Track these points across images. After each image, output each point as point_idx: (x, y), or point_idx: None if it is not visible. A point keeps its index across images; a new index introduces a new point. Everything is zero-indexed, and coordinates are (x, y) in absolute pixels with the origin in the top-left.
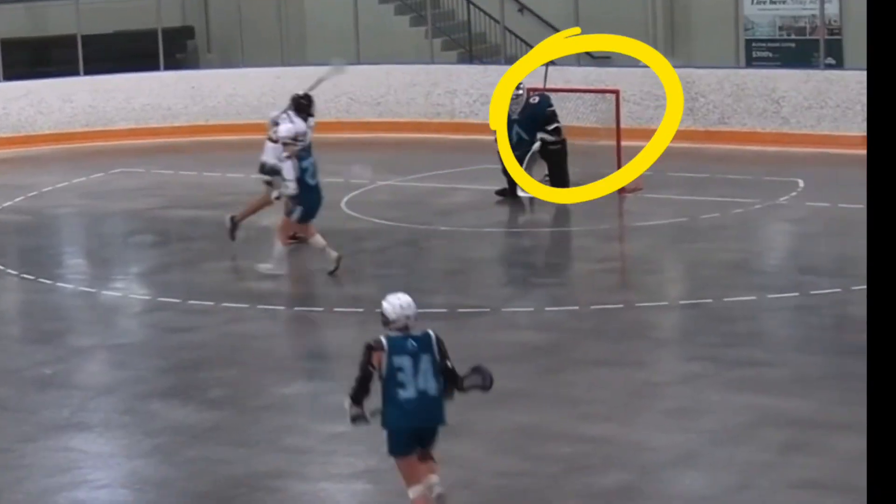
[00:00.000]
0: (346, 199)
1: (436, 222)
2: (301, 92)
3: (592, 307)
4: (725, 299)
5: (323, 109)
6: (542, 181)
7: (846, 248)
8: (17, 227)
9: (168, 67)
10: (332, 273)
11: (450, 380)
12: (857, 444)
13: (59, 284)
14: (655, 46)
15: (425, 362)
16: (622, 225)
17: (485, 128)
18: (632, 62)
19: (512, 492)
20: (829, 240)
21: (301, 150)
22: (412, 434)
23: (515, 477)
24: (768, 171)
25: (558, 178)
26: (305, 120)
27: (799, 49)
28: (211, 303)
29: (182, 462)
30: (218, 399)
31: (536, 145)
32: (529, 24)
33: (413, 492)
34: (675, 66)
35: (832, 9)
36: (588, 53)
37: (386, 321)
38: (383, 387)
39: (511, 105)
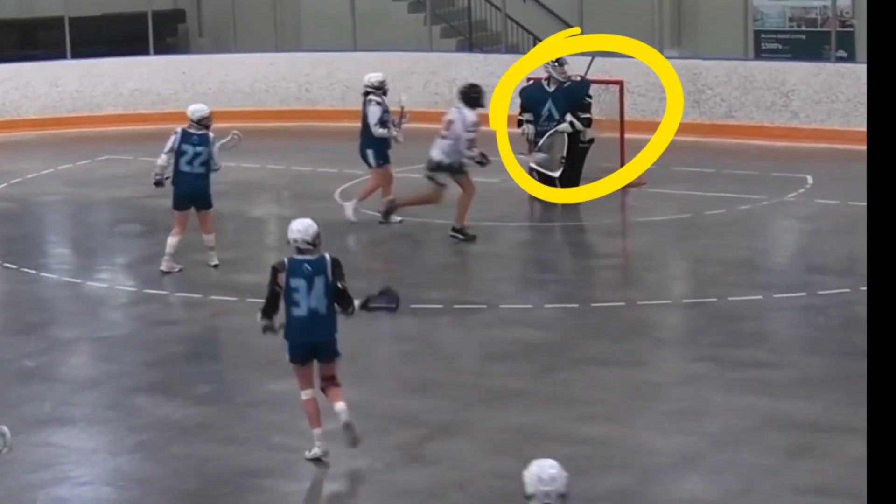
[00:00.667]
0: (339, 189)
1: (432, 215)
2: (468, 84)
3: (593, 305)
4: (730, 298)
5: (317, 97)
6: (558, 163)
7: (855, 246)
8: (0, 214)
9: (158, 52)
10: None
11: (341, 299)
12: (863, 448)
13: (43, 274)
14: (661, 36)
15: (318, 283)
16: (625, 220)
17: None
18: None
19: (507, 494)
20: (837, 238)
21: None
22: (306, 347)
23: (511, 479)
24: (776, 167)
25: (572, 177)
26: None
27: (809, 41)
28: (199, 295)
29: (167, 459)
30: (205, 395)
31: (564, 126)
32: (532, 12)
33: (304, 394)
34: (681, 58)
35: (844, 0)
36: None
37: (288, 241)
38: (284, 304)
39: (552, 74)
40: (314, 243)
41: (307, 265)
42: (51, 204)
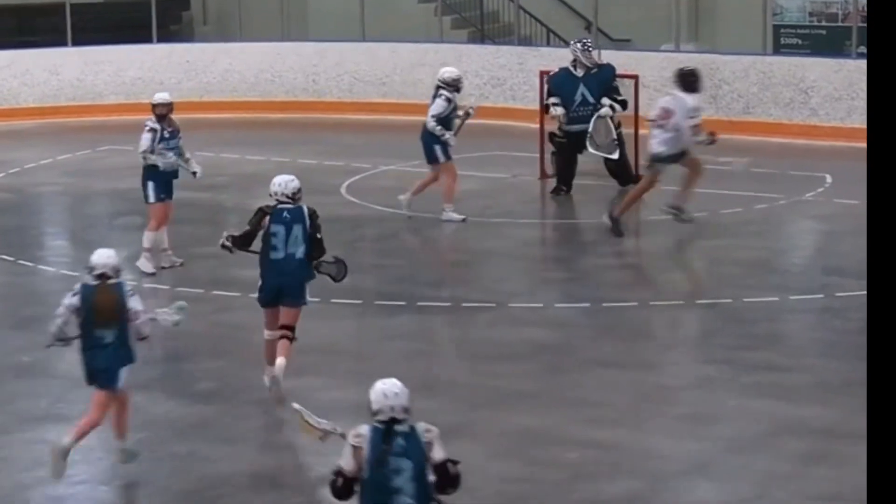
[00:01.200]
0: (346, 183)
1: (441, 210)
2: (685, 68)
3: (604, 304)
4: (745, 299)
5: (324, 88)
6: (609, 145)
7: None
8: None
9: (161, 39)
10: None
11: (316, 247)
12: None
13: (41, 267)
14: (678, 30)
15: (296, 231)
16: (638, 218)
17: (495, 112)
18: (653, 45)
19: (513, 498)
20: (856, 239)
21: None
22: (275, 289)
23: (517, 483)
24: (794, 165)
25: (624, 168)
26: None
27: (830, 36)
28: (200, 290)
29: (165, 458)
30: (205, 392)
31: (605, 110)
32: (545, 4)
33: (268, 335)
34: (698, 52)
35: None
36: (607, 35)
37: (270, 194)
38: (262, 247)
39: (580, 58)
40: (294, 198)
41: (286, 213)
42: (49, 195)
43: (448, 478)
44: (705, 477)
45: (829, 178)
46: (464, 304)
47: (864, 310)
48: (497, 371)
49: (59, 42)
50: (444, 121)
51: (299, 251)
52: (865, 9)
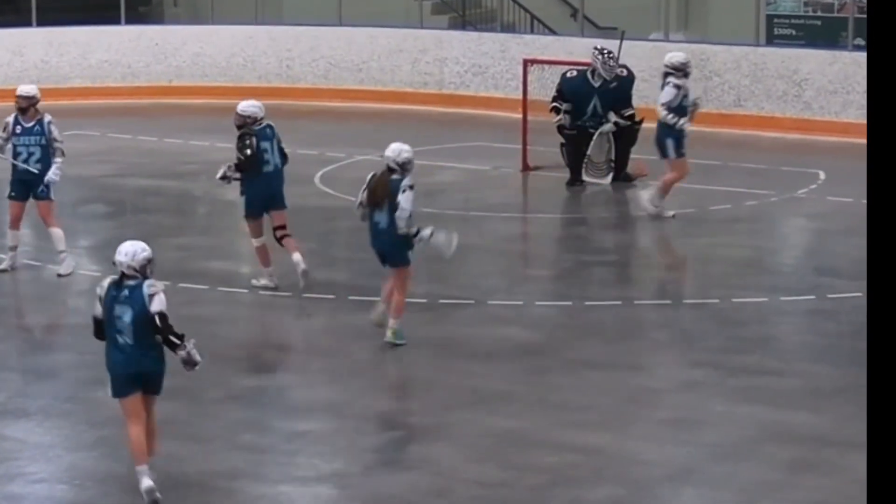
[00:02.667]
0: (320, 173)
1: (418, 203)
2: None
3: (587, 303)
4: (734, 300)
5: (299, 74)
6: (604, 166)
7: None
8: None
9: (129, 21)
10: None
11: (284, 158)
12: None
13: (1, 256)
14: (668, 19)
15: (276, 144)
16: (623, 214)
17: (476, 101)
18: (641, 34)
19: (490, 503)
20: (850, 239)
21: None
22: (267, 198)
23: (494, 487)
24: (787, 161)
25: (622, 161)
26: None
27: (825, 27)
28: (167, 282)
29: (128, 456)
30: (170, 389)
31: (608, 126)
32: None
33: (256, 242)
34: (688, 42)
35: None
36: (593, 23)
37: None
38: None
39: (598, 69)
40: (262, 117)
41: (268, 129)
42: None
43: (159, 326)
44: (690, 484)
45: (822, 175)
46: (441, 301)
47: (857, 312)
48: (474, 371)
49: (23, 22)
50: (677, 109)
51: (279, 163)
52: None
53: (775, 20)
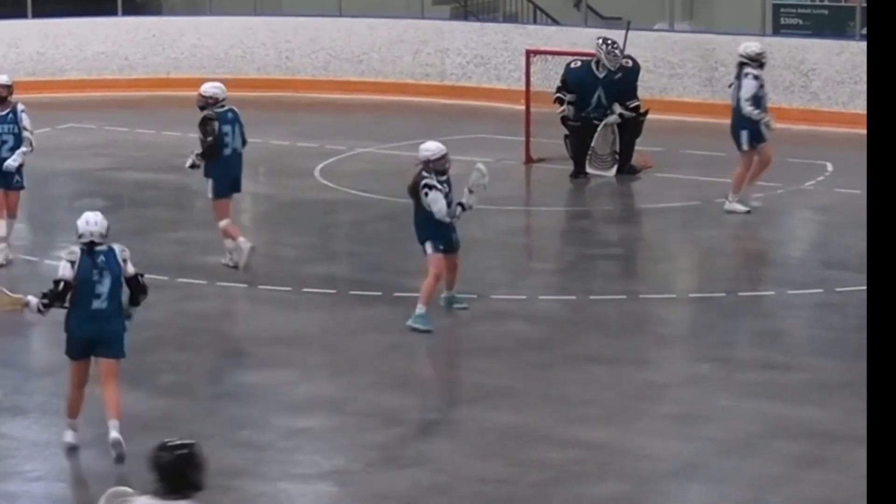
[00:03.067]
0: (320, 166)
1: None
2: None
3: (591, 297)
4: (740, 293)
5: (298, 66)
6: (609, 158)
7: None
8: None
9: (126, 13)
10: None
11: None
12: None
13: None
14: (672, 9)
15: (237, 129)
16: (628, 206)
17: (478, 92)
18: (646, 24)
19: (493, 500)
20: (857, 231)
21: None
22: (235, 181)
23: (497, 484)
24: (794, 153)
25: (627, 153)
26: None
27: (832, 16)
28: (164, 277)
29: (126, 454)
30: (169, 386)
31: (613, 118)
32: None
33: (223, 223)
34: (693, 31)
35: None
36: (597, 13)
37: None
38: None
39: (603, 59)
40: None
41: (230, 113)
42: None
43: (139, 287)
44: (695, 479)
45: (829, 167)
46: (443, 295)
47: (864, 306)
48: (477, 366)
49: (19, 13)
50: (756, 100)
51: (240, 146)
52: None
53: (782, 9)
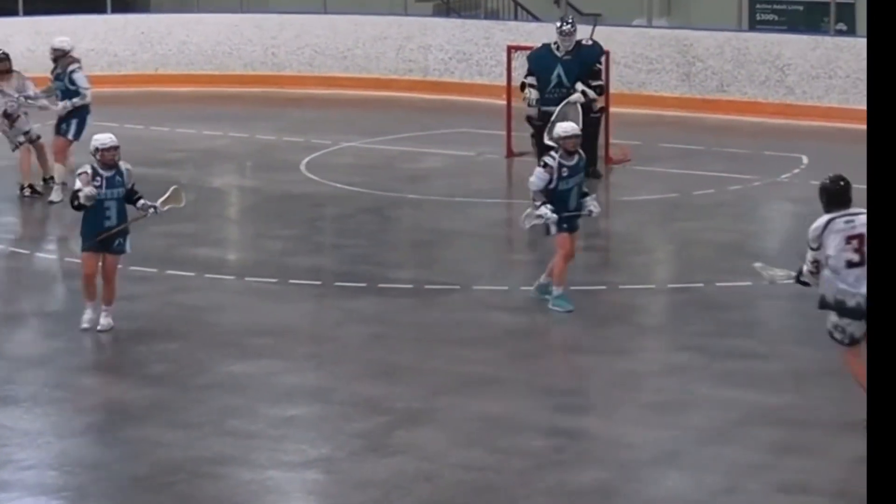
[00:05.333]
0: (305, 160)
1: (403, 189)
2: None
3: (572, 288)
4: (718, 284)
5: (284, 62)
6: None
7: None
8: None
9: (116, 10)
10: None
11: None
12: (855, 446)
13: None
14: (651, 5)
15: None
16: (607, 199)
17: (460, 87)
18: (624, 20)
19: (476, 487)
20: None
21: None
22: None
23: (480, 471)
24: (769, 146)
25: (589, 152)
26: None
27: (807, 12)
28: (154, 269)
29: (117, 443)
30: (158, 375)
31: (576, 96)
32: None
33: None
34: (670, 28)
35: None
36: (576, 9)
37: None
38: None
39: (558, 40)
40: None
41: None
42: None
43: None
44: (675, 467)
45: (805, 159)
46: (426, 287)
47: None
48: (460, 356)
49: (9, 11)
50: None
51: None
52: None
53: (758, 5)
